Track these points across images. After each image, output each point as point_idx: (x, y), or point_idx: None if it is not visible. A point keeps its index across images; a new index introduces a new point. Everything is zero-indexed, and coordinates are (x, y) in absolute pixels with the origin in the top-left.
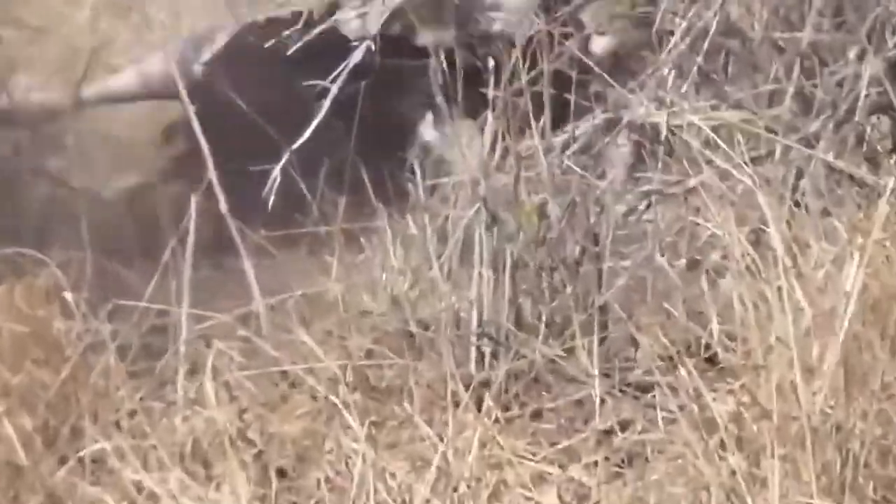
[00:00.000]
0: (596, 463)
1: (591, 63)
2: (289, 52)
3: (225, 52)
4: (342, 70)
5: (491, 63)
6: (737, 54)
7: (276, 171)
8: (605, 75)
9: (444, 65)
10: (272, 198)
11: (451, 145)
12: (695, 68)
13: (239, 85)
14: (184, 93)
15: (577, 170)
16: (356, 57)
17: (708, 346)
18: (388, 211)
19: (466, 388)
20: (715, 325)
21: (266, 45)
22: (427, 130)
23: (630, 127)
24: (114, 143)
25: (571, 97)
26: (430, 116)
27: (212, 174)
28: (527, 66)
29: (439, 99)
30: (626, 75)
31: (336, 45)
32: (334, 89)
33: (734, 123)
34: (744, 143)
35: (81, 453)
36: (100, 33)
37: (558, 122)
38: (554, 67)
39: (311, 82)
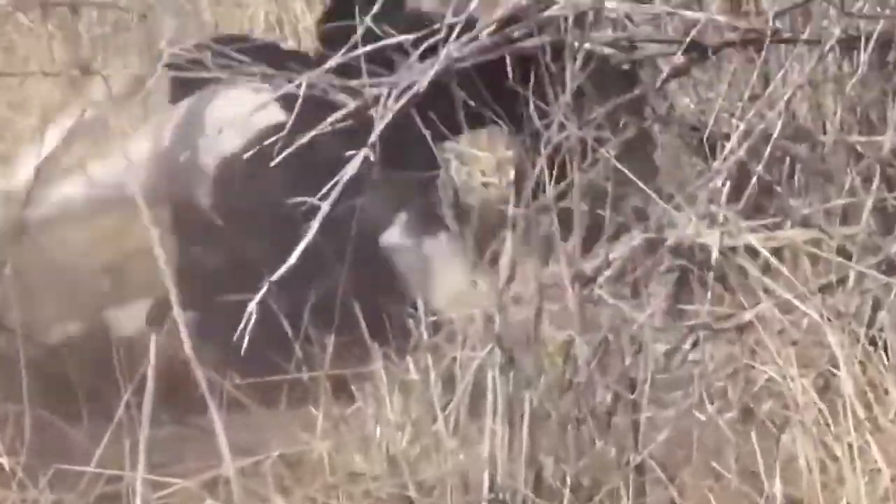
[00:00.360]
0: None
1: (629, 173)
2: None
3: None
4: (334, 185)
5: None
6: (804, 161)
7: (252, 306)
8: (646, 188)
9: None
10: (247, 338)
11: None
12: (754, 179)
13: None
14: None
15: (611, 301)
16: (350, 170)
17: None
18: (384, 352)
19: None
20: (776, 489)
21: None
22: (392, 235)
23: (675, 249)
24: (61, 273)
25: (605, 213)
26: (401, 217)
27: (176, 312)
28: (553, 175)
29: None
30: (672, 187)
31: None
32: (325, 207)
33: (799, 245)
34: (810, 269)
35: None
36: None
37: (589, 243)
38: (586, 179)
39: (297, 199)
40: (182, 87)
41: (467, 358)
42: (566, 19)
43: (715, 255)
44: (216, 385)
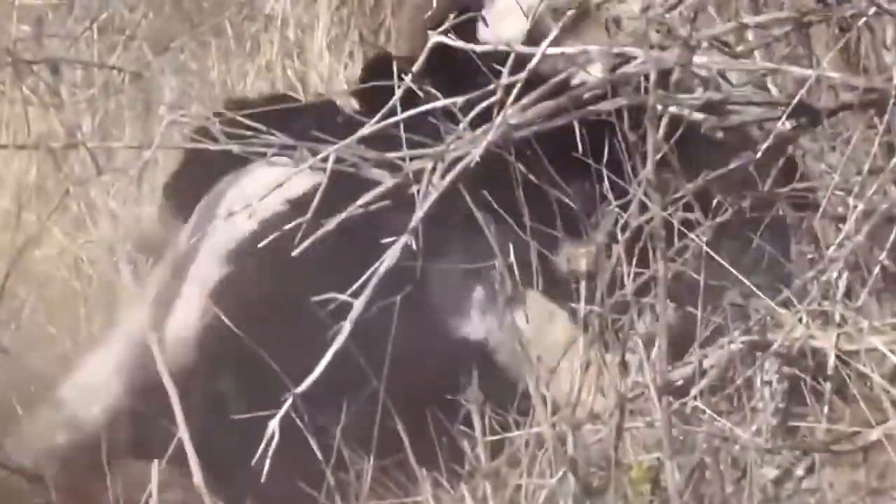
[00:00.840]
0: None
1: (724, 262)
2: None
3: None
4: (370, 276)
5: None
6: None
7: (274, 425)
8: (745, 280)
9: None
10: (267, 462)
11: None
12: (877, 269)
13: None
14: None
15: (707, 415)
16: (389, 259)
17: None
18: (433, 478)
19: None
20: None
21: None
22: (474, 320)
23: (782, 354)
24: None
25: (698, 313)
26: (478, 293)
27: (182, 434)
28: (633, 267)
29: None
30: (777, 279)
31: None
32: (358, 304)
33: None
34: None
35: None
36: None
37: (679, 347)
38: (673, 270)
39: (324, 296)
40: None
41: (534, 486)
42: (647, 77)
43: (831, 361)
44: None
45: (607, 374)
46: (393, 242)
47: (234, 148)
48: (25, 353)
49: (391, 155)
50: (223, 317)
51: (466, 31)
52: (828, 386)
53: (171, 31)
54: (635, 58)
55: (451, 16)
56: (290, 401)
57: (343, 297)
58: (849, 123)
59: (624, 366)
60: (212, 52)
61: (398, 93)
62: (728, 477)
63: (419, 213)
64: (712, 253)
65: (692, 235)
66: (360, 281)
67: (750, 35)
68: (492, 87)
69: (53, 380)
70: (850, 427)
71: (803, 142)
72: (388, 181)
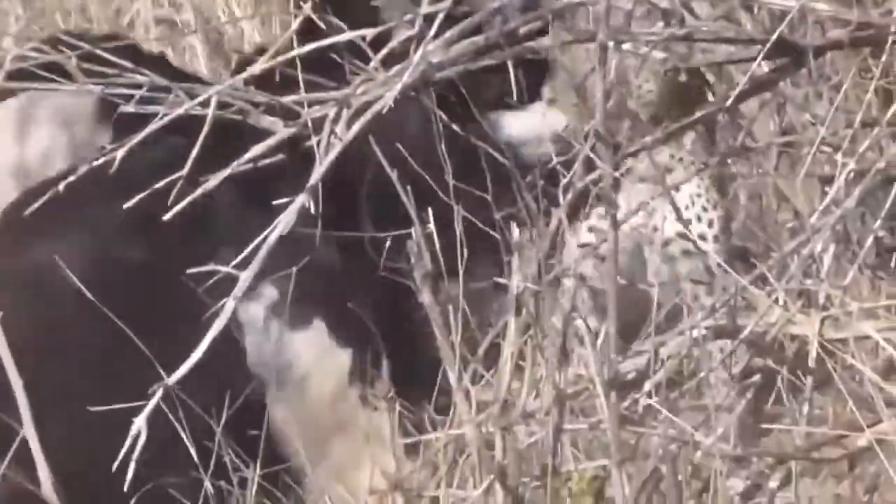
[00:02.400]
0: None
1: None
2: None
3: None
4: (258, 245)
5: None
6: None
7: (141, 423)
8: (711, 252)
9: None
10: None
11: None
12: (869, 240)
13: None
14: None
15: (663, 415)
16: (281, 227)
17: None
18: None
19: None
20: None
21: None
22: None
23: (754, 342)
24: None
25: (654, 289)
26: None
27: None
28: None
29: None
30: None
31: None
32: (240, 286)
33: None
34: None
35: None
36: None
37: (630, 332)
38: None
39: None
40: None
41: (454, 499)
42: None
43: (813, 351)
44: None
45: (544, 366)
46: (287, 205)
47: (94, 89)
48: None
49: (286, 99)
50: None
51: None
52: (809, 381)
53: None
54: None
55: None
56: (160, 392)
57: (226, 269)
58: (839, 66)
59: (564, 355)
60: None
61: (294, 24)
62: (688, 489)
63: (320, 170)
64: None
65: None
66: (246, 250)
67: None
68: (409, 17)
69: None
70: (834, 430)
71: (784, 87)
72: (281, 130)
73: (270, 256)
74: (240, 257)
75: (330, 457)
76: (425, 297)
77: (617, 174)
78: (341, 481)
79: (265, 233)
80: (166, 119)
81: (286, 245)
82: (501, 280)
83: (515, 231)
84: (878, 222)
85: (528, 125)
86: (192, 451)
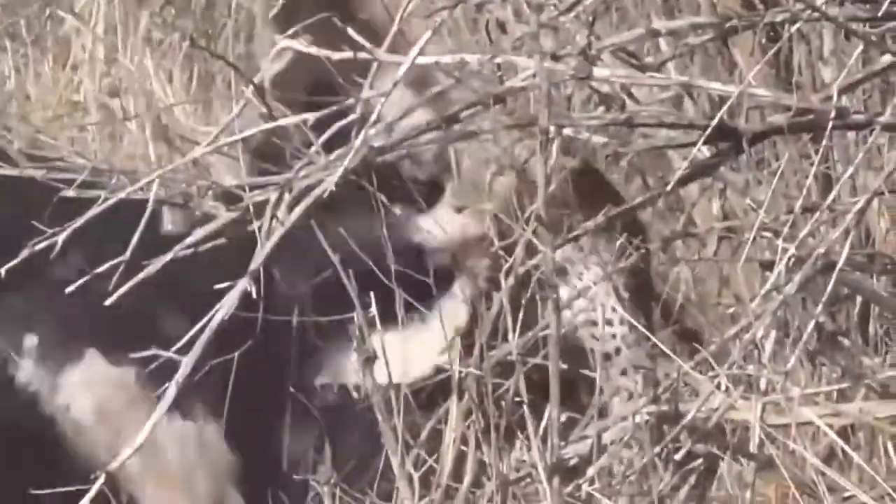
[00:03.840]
0: None
1: (635, 322)
2: None
3: None
4: (200, 330)
5: None
6: (883, 302)
7: None
8: (655, 339)
9: None
10: None
11: None
12: (810, 325)
13: None
14: None
15: (604, 500)
16: (224, 309)
17: None
18: None
19: None
20: None
21: None
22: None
23: (697, 428)
24: None
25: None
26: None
27: None
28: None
29: None
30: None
31: None
32: (182, 371)
33: (880, 423)
34: None
35: None
36: None
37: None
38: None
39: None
40: None
41: None
42: (537, 91)
43: (755, 437)
44: None
45: (487, 452)
46: (228, 289)
47: (36, 174)
48: None
49: (228, 183)
50: None
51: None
52: (752, 467)
53: None
54: (523, 69)
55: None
56: (101, 480)
57: (168, 354)
58: (778, 151)
59: (507, 441)
60: (7, 57)
61: (236, 109)
62: None
63: (262, 253)
64: (617, 307)
65: (588, 283)
66: (188, 335)
67: (662, 44)
68: (350, 101)
69: None
70: None
71: (724, 172)
72: (223, 215)
73: None
74: (182, 341)
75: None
76: (368, 382)
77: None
78: None
79: (207, 317)
80: (108, 203)
81: None
82: (442, 361)
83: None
84: (819, 307)
85: (437, 230)
86: None
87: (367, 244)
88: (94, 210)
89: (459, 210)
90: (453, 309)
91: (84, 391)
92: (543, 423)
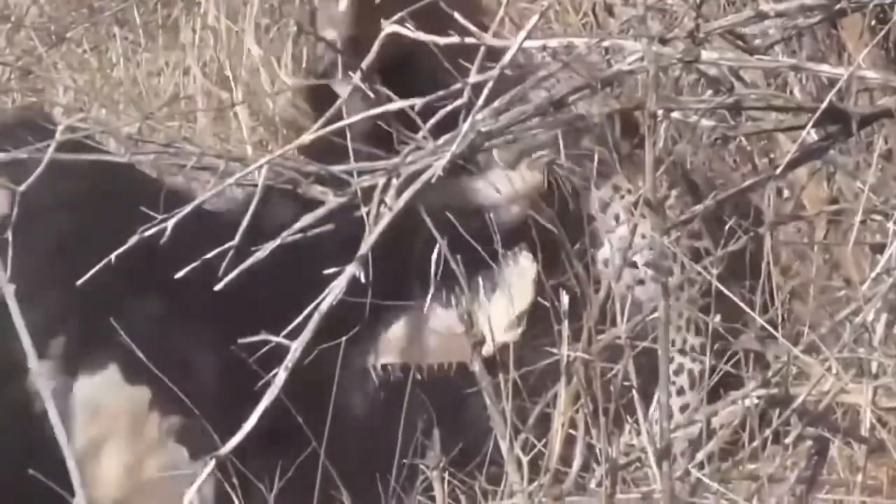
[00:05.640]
0: None
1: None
2: None
3: None
4: (309, 315)
5: None
6: None
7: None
8: (764, 322)
9: None
10: None
11: None
12: None
13: None
14: None
15: (715, 487)
16: (333, 294)
17: None
18: None
19: None
20: None
21: None
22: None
23: (807, 411)
24: None
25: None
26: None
27: None
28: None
29: None
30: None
31: None
32: (291, 356)
33: None
34: None
35: None
36: None
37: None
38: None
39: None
40: None
41: None
42: (643, 76)
43: (866, 421)
44: None
45: (596, 435)
46: (336, 274)
47: (144, 159)
48: None
49: (336, 168)
50: None
51: (428, 19)
52: (863, 450)
53: (65, 19)
54: (631, 52)
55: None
56: (213, 463)
57: (278, 339)
58: (888, 133)
59: (615, 425)
60: (116, 44)
61: (345, 93)
62: None
63: (370, 239)
64: (724, 289)
65: (698, 267)
66: (297, 319)
67: (769, 27)
68: (457, 86)
69: None
70: (889, 500)
71: (833, 155)
72: (331, 200)
73: None
74: (290, 327)
75: None
76: (475, 366)
77: None
78: None
79: (316, 301)
80: (217, 189)
81: None
82: (552, 349)
83: (565, 299)
84: None
85: (494, 189)
86: None
87: (433, 212)
88: (205, 195)
89: (512, 167)
90: (521, 275)
91: (87, 404)
92: (652, 408)
